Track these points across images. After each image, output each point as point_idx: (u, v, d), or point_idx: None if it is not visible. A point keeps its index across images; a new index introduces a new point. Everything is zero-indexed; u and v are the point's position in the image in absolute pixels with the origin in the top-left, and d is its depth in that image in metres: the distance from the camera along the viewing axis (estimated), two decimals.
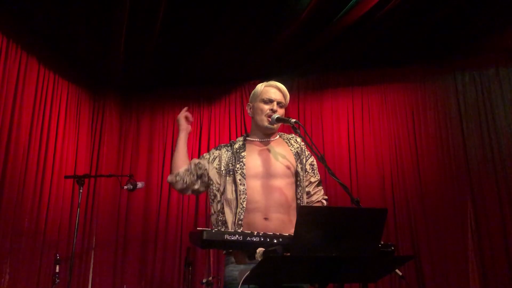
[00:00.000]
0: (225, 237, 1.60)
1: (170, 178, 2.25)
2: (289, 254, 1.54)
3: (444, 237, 4.61)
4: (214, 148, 2.31)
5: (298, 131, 2.13)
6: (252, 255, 1.55)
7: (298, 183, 2.16)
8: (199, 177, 2.23)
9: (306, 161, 2.25)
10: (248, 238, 1.61)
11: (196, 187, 2.24)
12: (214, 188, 2.18)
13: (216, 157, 2.23)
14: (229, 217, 2.05)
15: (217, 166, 2.20)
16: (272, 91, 2.27)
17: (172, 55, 4.98)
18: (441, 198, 4.74)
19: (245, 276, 1.47)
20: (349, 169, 5.05)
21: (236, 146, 2.25)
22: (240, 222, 2.01)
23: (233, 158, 2.17)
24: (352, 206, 2.02)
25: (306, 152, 2.29)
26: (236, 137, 2.44)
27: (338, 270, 1.52)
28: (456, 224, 4.62)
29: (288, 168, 2.17)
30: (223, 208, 2.10)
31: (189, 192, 2.28)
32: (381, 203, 4.80)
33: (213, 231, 1.61)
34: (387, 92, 5.25)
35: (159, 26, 4.28)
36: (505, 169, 4.62)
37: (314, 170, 2.27)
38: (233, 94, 5.66)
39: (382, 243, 1.75)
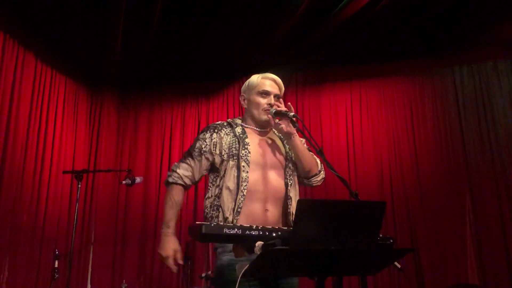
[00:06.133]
0: (224, 230, 1.59)
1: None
2: (288, 247, 1.54)
3: (442, 230, 4.63)
4: (210, 132, 2.19)
5: (297, 124, 2.11)
6: (251, 249, 1.55)
7: (288, 175, 2.13)
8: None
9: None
10: (247, 232, 1.60)
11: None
12: (215, 172, 2.14)
13: (216, 143, 2.15)
14: (227, 203, 2.00)
15: (218, 152, 2.13)
16: (268, 84, 2.24)
17: (170, 49, 4.96)
18: (439, 191, 4.75)
19: (244, 269, 1.47)
20: (347, 162, 5.06)
21: (239, 130, 2.19)
22: (239, 209, 1.97)
23: (237, 143, 2.12)
24: (350, 199, 2.03)
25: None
26: None
27: (337, 263, 1.53)
28: (454, 216, 4.64)
29: (282, 160, 2.16)
30: (221, 193, 2.04)
31: None
32: (379, 196, 4.81)
33: (212, 225, 1.60)
34: (385, 86, 5.25)
35: (157, 20, 4.27)
36: (503, 162, 4.63)
37: None
38: (231, 88, 5.65)
39: (380, 236, 1.75)
